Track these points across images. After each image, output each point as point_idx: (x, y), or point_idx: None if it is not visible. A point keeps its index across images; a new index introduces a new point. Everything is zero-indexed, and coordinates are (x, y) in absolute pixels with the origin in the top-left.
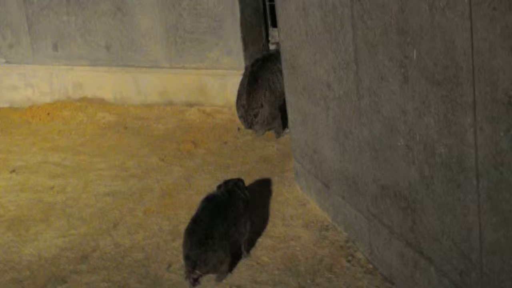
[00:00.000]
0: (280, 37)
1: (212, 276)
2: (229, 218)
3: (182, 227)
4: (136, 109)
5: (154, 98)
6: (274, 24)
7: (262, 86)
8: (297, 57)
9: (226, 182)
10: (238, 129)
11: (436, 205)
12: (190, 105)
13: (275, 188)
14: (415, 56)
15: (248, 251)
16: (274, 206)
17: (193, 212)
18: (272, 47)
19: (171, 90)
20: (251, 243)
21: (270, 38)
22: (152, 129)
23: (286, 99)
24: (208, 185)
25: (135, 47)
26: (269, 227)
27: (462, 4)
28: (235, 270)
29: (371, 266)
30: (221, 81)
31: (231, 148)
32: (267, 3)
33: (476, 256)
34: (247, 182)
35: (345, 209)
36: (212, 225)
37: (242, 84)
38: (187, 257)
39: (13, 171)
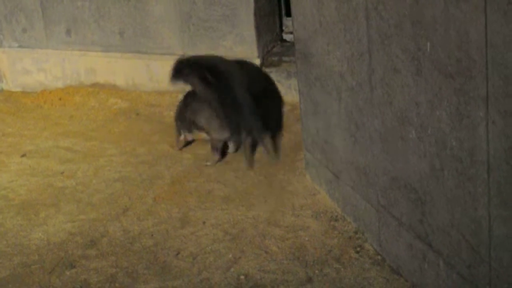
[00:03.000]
0: (293, 26)
1: (219, 264)
2: None
3: (192, 214)
4: (148, 95)
5: (167, 86)
6: (288, 13)
7: None
8: (310, 47)
9: None
10: None
11: (446, 198)
12: None
13: (285, 177)
14: (428, 49)
15: None
16: (284, 195)
17: (203, 200)
18: (286, 36)
19: None
20: (260, 232)
21: (284, 27)
22: (163, 116)
23: (298, 89)
24: (217, 172)
25: (149, 34)
26: (278, 216)
27: None
28: (243, 259)
29: (379, 257)
30: None
31: None
32: None
33: (485, 249)
34: (257, 171)
35: (355, 200)
36: None
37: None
38: None
39: (24, 155)
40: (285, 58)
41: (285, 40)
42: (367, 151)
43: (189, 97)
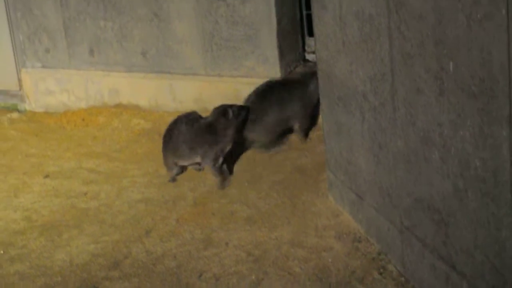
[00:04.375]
0: (316, 46)
1: (242, 286)
2: None
3: (215, 235)
4: (171, 116)
5: (189, 105)
6: (311, 33)
7: None
8: (333, 67)
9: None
10: None
11: (470, 219)
12: None
13: (308, 198)
14: (451, 68)
15: None
16: (307, 216)
17: (226, 221)
18: (308, 56)
19: (206, 98)
20: (283, 253)
21: (306, 47)
22: None
23: (321, 109)
24: (240, 193)
25: (171, 54)
26: (301, 237)
27: (500, 16)
28: (266, 280)
29: (403, 279)
30: None
31: (265, 157)
32: (304, 12)
33: (509, 271)
34: (281, 191)
35: (378, 221)
36: None
37: None
38: None
39: (47, 176)
40: None
41: (307, 60)
42: (390, 172)
43: None
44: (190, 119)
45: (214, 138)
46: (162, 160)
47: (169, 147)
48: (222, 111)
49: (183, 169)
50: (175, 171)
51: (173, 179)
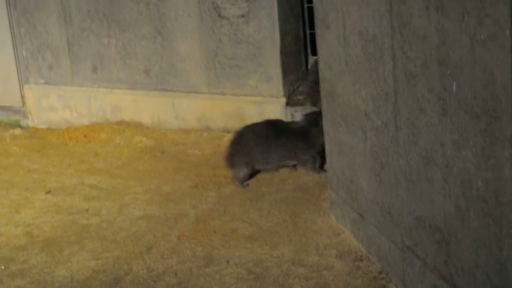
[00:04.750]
0: (319, 65)
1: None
2: None
3: (216, 253)
4: (174, 134)
5: (192, 123)
6: (314, 53)
7: None
8: (336, 86)
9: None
10: None
11: (471, 239)
12: (228, 131)
13: (309, 217)
14: (454, 89)
15: None
16: (308, 235)
17: (227, 238)
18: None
19: (209, 116)
20: (284, 271)
21: (309, 67)
22: (188, 154)
23: (324, 128)
24: (242, 211)
25: (174, 72)
26: (302, 256)
27: (503, 37)
28: None
29: None
30: (260, 108)
31: (267, 176)
32: (307, 31)
33: None
34: (282, 210)
35: (379, 240)
36: None
37: None
38: None
39: (49, 192)
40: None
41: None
42: (392, 191)
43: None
44: (276, 124)
45: (311, 141)
46: (229, 166)
47: (249, 151)
48: (314, 119)
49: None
50: (246, 175)
51: (247, 184)
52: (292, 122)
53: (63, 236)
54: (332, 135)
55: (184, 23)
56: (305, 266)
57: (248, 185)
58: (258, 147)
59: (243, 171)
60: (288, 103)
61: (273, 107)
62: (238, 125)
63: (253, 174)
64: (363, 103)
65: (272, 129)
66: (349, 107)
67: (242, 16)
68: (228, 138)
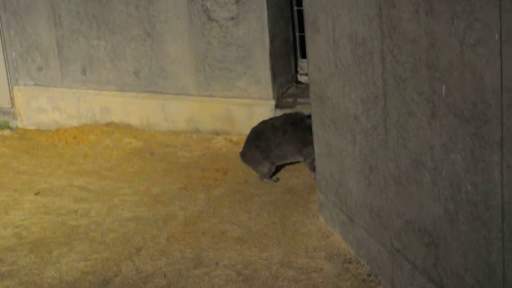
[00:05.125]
0: (309, 68)
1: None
2: None
3: (205, 255)
4: (163, 135)
5: (181, 125)
6: (304, 55)
7: None
8: (326, 89)
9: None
10: None
11: (460, 242)
12: (217, 133)
13: (298, 219)
14: (443, 92)
15: None
16: (297, 237)
17: (216, 240)
18: (301, 78)
19: (198, 118)
20: (273, 273)
21: (299, 69)
22: (178, 156)
23: (313, 131)
24: (231, 213)
25: (164, 74)
26: (291, 258)
27: (493, 41)
28: None
29: None
30: (249, 111)
31: (256, 178)
32: (297, 34)
33: None
34: (271, 212)
35: (369, 242)
36: None
37: None
38: None
39: (38, 193)
40: (300, 100)
41: (300, 82)
42: (381, 194)
43: None
44: (294, 119)
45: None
46: (255, 164)
47: (266, 146)
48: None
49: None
50: (271, 169)
51: (277, 178)
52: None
53: (52, 237)
54: (321, 138)
55: (174, 25)
56: (294, 268)
57: (278, 179)
58: (273, 141)
59: (266, 166)
60: (277, 106)
61: (262, 109)
62: (227, 127)
63: (279, 167)
64: (352, 106)
65: (287, 123)
66: (338, 110)
67: (232, 18)
68: (217, 140)
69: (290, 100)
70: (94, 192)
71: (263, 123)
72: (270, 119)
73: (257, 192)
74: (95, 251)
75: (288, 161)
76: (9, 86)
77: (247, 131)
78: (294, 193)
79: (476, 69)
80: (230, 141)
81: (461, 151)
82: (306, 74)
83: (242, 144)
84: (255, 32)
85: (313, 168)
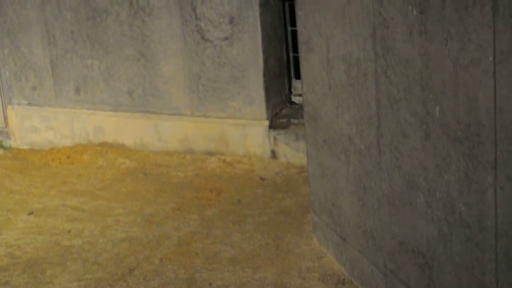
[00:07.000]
0: (302, 89)
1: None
2: None
3: (198, 275)
4: (156, 156)
5: (175, 146)
6: (297, 76)
7: None
8: (319, 110)
9: None
10: (262, 179)
11: (454, 263)
12: (210, 153)
13: (292, 240)
14: (437, 113)
15: None
16: (291, 258)
17: (210, 261)
18: (294, 98)
19: (191, 138)
20: None
21: (292, 90)
22: (171, 177)
23: (306, 151)
24: (224, 234)
25: (158, 94)
26: (285, 279)
27: (487, 62)
28: None
29: None
30: (242, 131)
31: (250, 199)
32: (291, 54)
33: None
34: (265, 233)
35: (362, 263)
36: None
37: None
38: None
39: (31, 213)
40: (293, 121)
41: (294, 103)
42: (375, 215)
43: None
44: None
45: None
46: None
47: None
48: None
49: None
50: None
51: None
52: None
53: (46, 257)
54: (315, 158)
55: (168, 45)
56: None
57: None
58: None
59: None
60: (271, 126)
61: (256, 130)
62: (221, 148)
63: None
64: (346, 127)
65: None
66: (332, 131)
67: (226, 38)
68: (210, 160)
69: (283, 120)
70: (87, 212)
71: None
72: None
73: (250, 212)
74: (88, 271)
75: None
76: (2, 105)
77: (240, 151)
78: (287, 214)
79: (470, 90)
80: (224, 161)
81: (455, 172)
82: (300, 95)
83: (235, 165)
84: (249, 52)
85: None
